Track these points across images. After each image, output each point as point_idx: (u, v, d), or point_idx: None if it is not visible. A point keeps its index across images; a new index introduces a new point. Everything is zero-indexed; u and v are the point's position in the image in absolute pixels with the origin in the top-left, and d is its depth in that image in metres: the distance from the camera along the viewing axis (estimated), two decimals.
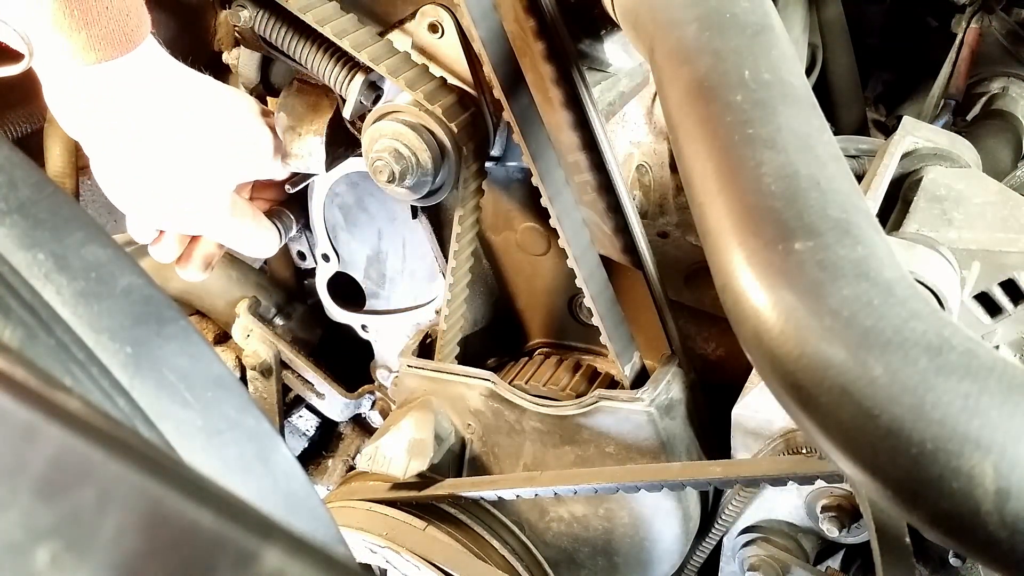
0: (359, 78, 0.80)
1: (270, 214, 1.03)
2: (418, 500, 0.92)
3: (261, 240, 0.90)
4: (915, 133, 0.93)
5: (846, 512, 0.83)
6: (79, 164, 1.11)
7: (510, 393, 0.90)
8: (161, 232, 0.84)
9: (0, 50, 0.65)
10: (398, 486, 0.93)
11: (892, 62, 1.69)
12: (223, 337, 1.22)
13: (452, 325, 0.93)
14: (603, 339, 0.85)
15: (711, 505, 0.96)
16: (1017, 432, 0.33)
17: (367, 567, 0.91)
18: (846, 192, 0.42)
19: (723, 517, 0.90)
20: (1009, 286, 0.77)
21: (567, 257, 0.81)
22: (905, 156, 0.92)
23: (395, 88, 0.80)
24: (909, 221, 0.82)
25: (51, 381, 0.23)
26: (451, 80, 0.79)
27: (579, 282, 0.83)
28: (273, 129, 0.85)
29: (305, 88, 0.88)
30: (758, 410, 0.80)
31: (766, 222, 0.41)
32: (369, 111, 0.81)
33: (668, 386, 0.86)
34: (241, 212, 0.87)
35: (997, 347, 0.80)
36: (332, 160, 0.90)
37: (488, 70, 0.74)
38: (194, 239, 0.87)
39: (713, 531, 0.93)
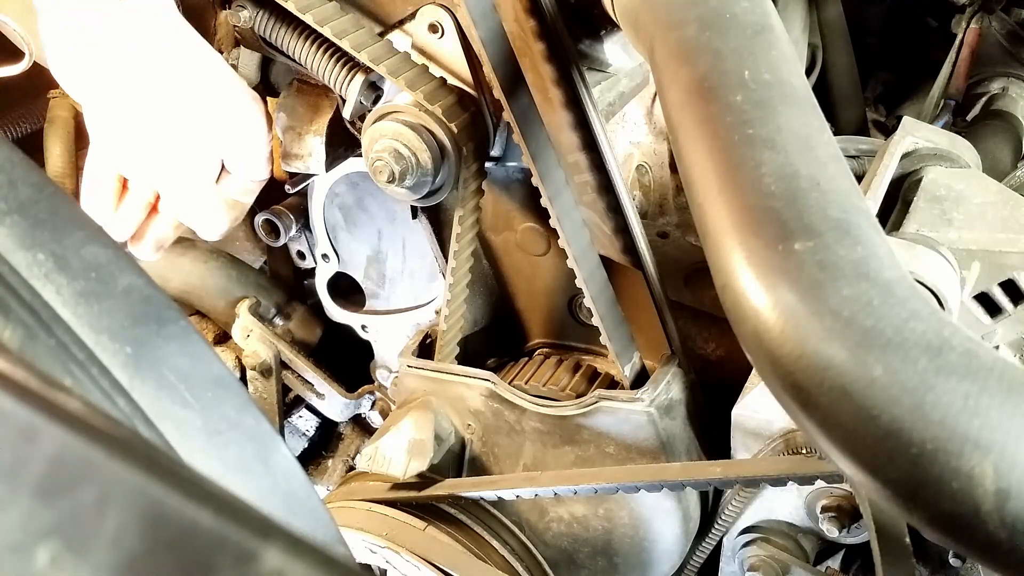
0: (359, 78, 0.80)
1: (271, 213, 1.04)
2: (418, 500, 0.92)
3: (215, 219, 0.86)
4: (915, 133, 0.93)
5: (846, 512, 0.83)
6: (79, 164, 1.11)
7: (510, 393, 0.90)
8: (120, 203, 0.83)
9: (0, 49, 0.65)
10: (398, 486, 0.93)
11: (892, 62, 1.69)
12: (223, 337, 1.22)
13: (452, 325, 0.93)
14: (603, 339, 0.85)
15: (711, 505, 0.96)
16: (1017, 432, 0.33)
17: (367, 567, 0.91)
18: (846, 192, 0.42)
19: (723, 517, 0.90)
20: (1009, 286, 0.77)
21: (567, 257, 0.81)
22: (905, 156, 0.92)
23: (395, 88, 0.80)
24: (909, 221, 0.82)
25: (51, 381, 0.23)
26: (451, 80, 0.79)
27: (579, 282, 0.83)
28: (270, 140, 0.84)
29: (305, 88, 0.88)
30: (758, 410, 0.80)
31: (766, 222, 0.41)
32: (369, 111, 0.81)
33: (668, 386, 0.86)
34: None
35: (997, 347, 0.80)
36: (332, 160, 0.90)
37: (488, 70, 0.74)
38: (148, 218, 0.86)
39: (713, 531, 0.93)
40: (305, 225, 1.09)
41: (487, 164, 0.84)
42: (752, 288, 0.40)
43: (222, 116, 0.78)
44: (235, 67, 0.92)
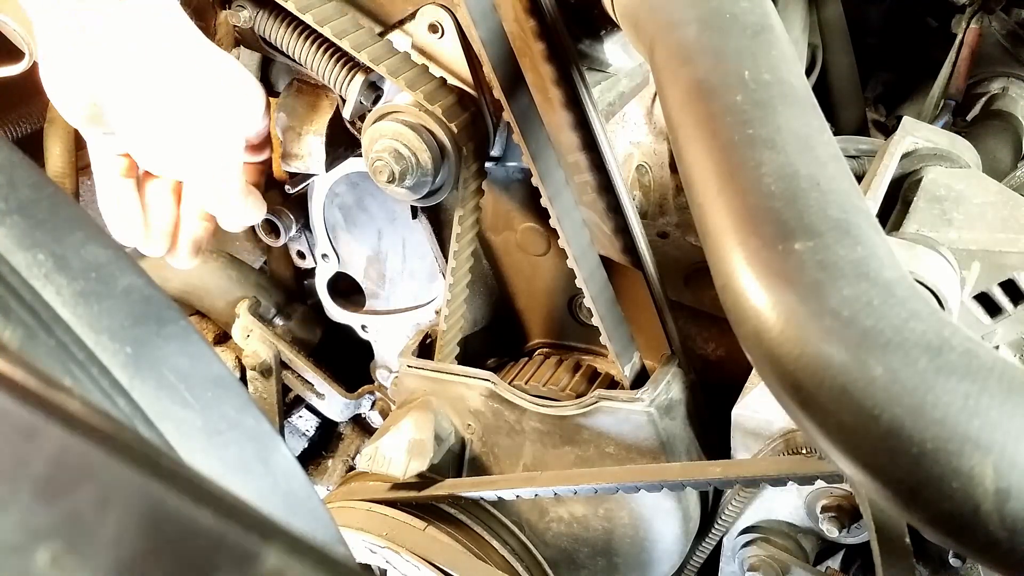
0: (359, 78, 0.80)
1: (271, 213, 1.03)
2: (418, 500, 0.92)
3: (248, 207, 0.86)
4: (915, 133, 0.93)
5: (846, 512, 0.83)
6: (79, 164, 1.11)
7: (510, 393, 0.90)
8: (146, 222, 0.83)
9: (0, 49, 0.65)
10: (398, 486, 0.93)
11: (892, 62, 1.69)
12: (223, 337, 1.22)
13: (452, 325, 0.93)
14: (603, 339, 0.85)
15: (711, 505, 0.96)
16: (1017, 432, 0.33)
17: (367, 567, 0.91)
18: (846, 192, 0.42)
19: (723, 517, 0.90)
20: (1009, 286, 0.77)
21: (567, 257, 0.81)
22: (905, 156, 0.92)
23: (395, 88, 0.80)
24: (909, 221, 0.82)
25: (51, 381, 0.23)
26: (451, 80, 0.79)
27: (579, 282, 0.83)
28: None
29: (305, 88, 0.88)
30: (758, 410, 0.80)
31: (766, 222, 0.41)
32: (369, 111, 0.81)
33: (668, 386, 0.86)
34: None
35: (997, 347, 0.80)
36: (332, 160, 0.90)
37: (488, 70, 0.74)
38: (176, 227, 0.85)
39: (713, 531, 0.93)
40: (305, 225, 1.09)
41: (487, 164, 0.84)
42: (752, 288, 0.40)
43: (226, 100, 0.78)
44: None
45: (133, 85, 0.72)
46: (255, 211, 0.87)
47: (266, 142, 0.88)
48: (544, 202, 0.79)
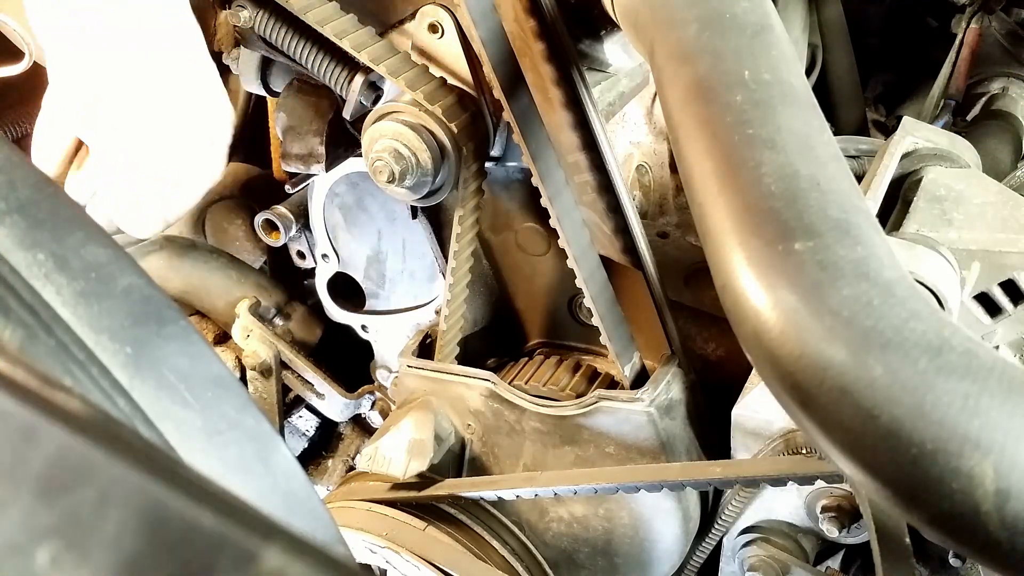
0: (359, 78, 0.80)
1: (271, 213, 1.04)
2: (418, 500, 0.92)
3: (145, 215, 0.82)
4: (915, 133, 0.93)
5: (846, 512, 0.83)
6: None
7: (510, 393, 0.90)
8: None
9: (0, 49, 0.65)
10: (398, 486, 0.93)
11: (892, 62, 1.69)
12: (223, 337, 1.22)
13: (452, 325, 0.93)
14: (603, 339, 0.85)
15: (711, 505, 0.96)
16: (1017, 432, 0.33)
17: (367, 567, 0.91)
18: (846, 192, 0.42)
19: (723, 517, 0.90)
20: (1009, 286, 0.77)
21: (567, 257, 0.81)
22: (905, 156, 0.92)
23: (395, 88, 0.80)
24: (909, 221, 0.82)
25: (51, 381, 0.23)
26: (451, 80, 0.79)
27: (579, 282, 0.83)
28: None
29: (305, 88, 0.88)
30: (758, 410, 0.80)
31: (766, 222, 0.41)
32: (369, 111, 0.81)
33: (668, 386, 0.86)
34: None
35: (997, 347, 0.80)
36: (332, 160, 0.90)
37: (488, 70, 0.74)
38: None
39: (713, 531, 0.93)
40: (305, 225, 1.09)
41: (487, 164, 0.84)
42: (752, 288, 0.40)
43: (190, 112, 0.77)
44: (235, 67, 0.92)
45: (125, 83, 0.72)
46: (154, 228, 0.85)
47: (221, 164, 0.86)
48: (544, 202, 0.79)
